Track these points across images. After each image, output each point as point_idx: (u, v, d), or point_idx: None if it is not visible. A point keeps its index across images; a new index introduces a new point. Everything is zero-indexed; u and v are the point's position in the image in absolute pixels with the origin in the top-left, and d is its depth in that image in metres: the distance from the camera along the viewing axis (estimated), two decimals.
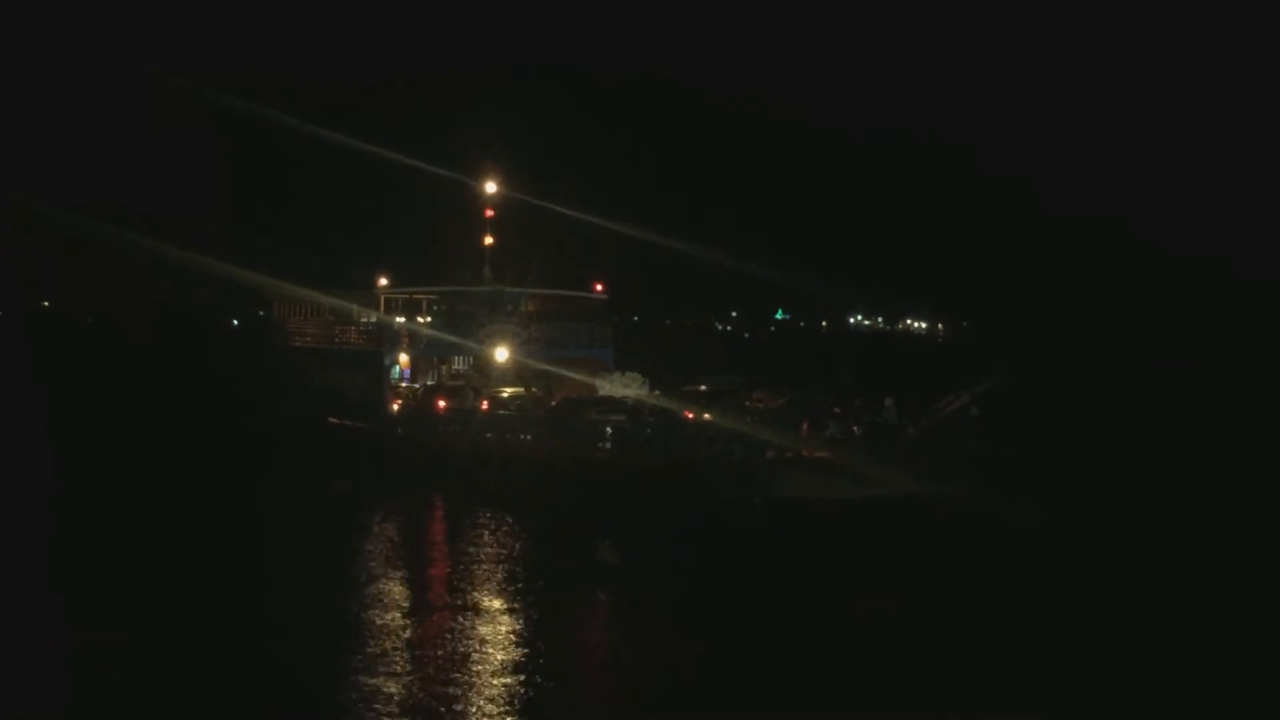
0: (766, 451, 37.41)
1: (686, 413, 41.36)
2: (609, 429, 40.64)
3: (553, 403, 49.27)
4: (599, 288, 59.29)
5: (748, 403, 43.18)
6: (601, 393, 48.78)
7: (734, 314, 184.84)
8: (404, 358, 56.56)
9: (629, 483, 37.91)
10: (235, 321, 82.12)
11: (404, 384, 55.71)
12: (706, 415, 41.45)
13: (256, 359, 69.49)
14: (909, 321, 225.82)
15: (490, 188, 56.32)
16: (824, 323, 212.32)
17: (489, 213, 56.67)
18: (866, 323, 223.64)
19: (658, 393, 47.93)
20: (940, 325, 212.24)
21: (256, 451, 55.08)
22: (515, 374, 53.53)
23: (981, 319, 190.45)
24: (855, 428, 38.71)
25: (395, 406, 53.48)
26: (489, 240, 56.84)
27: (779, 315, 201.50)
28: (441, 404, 50.98)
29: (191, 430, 61.91)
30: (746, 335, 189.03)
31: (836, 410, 40.19)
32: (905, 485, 36.29)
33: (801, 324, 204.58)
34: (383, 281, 56.78)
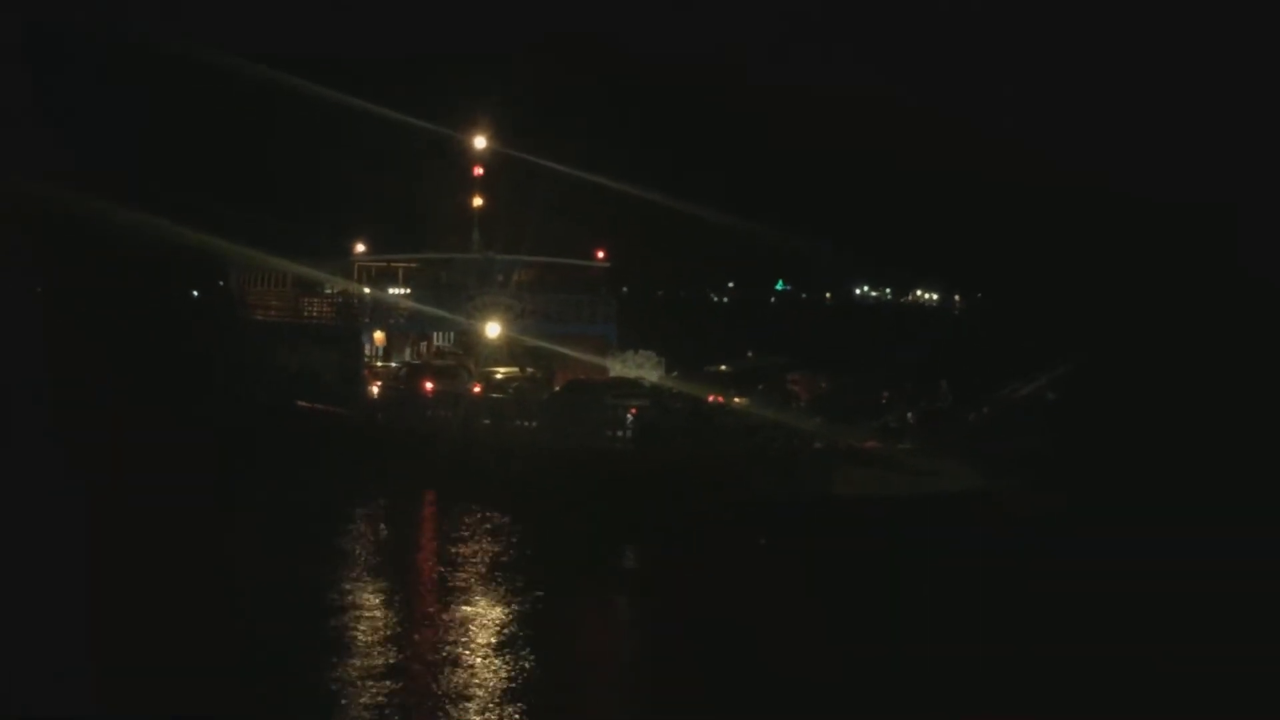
0: (814, 443, 35.56)
1: (713, 398, 39.42)
2: (629, 416, 38.58)
3: (554, 385, 47.45)
4: (601, 255, 57.11)
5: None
6: (613, 374, 46.86)
7: (730, 285, 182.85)
8: (379, 334, 54.64)
9: (656, 479, 35.89)
10: (195, 293, 79.54)
11: (379, 363, 53.75)
12: (737, 400, 39.63)
13: (215, 335, 67.18)
14: (919, 293, 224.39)
15: (480, 143, 54.04)
16: (827, 294, 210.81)
17: (478, 171, 54.43)
18: (874, 294, 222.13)
19: (675, 374, 46.02)
20: (957, 297, 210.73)
21: (217, 444, 52.48)
22: (508, 352, 51.45)
23: (999, 291, 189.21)
24: (909, 414, 36.87)
25: (375, 389, 51.51)
26: (478, 202, 54.58)
27: (779, 286, 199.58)
28: (429, 386, 48.85)
29: (138, 418, 58.83)
30: (765, 307, 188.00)
31: (885, 395, 38.34)
32: (968, 481, 34.60)
33: (803, 295, 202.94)
34: (359, 248, 54.70)
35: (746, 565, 31.84)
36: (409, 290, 54.76)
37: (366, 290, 53.93)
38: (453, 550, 34.69)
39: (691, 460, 35.84)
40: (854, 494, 34.32)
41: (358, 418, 50.09)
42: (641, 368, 46.47)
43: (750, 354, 49.23)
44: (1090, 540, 32.91)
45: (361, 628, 27.02)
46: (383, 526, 39.27)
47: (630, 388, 42.20)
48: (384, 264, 55.94)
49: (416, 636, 26.46)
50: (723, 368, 46.85)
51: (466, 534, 36.52)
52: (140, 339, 78.26)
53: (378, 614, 28.37)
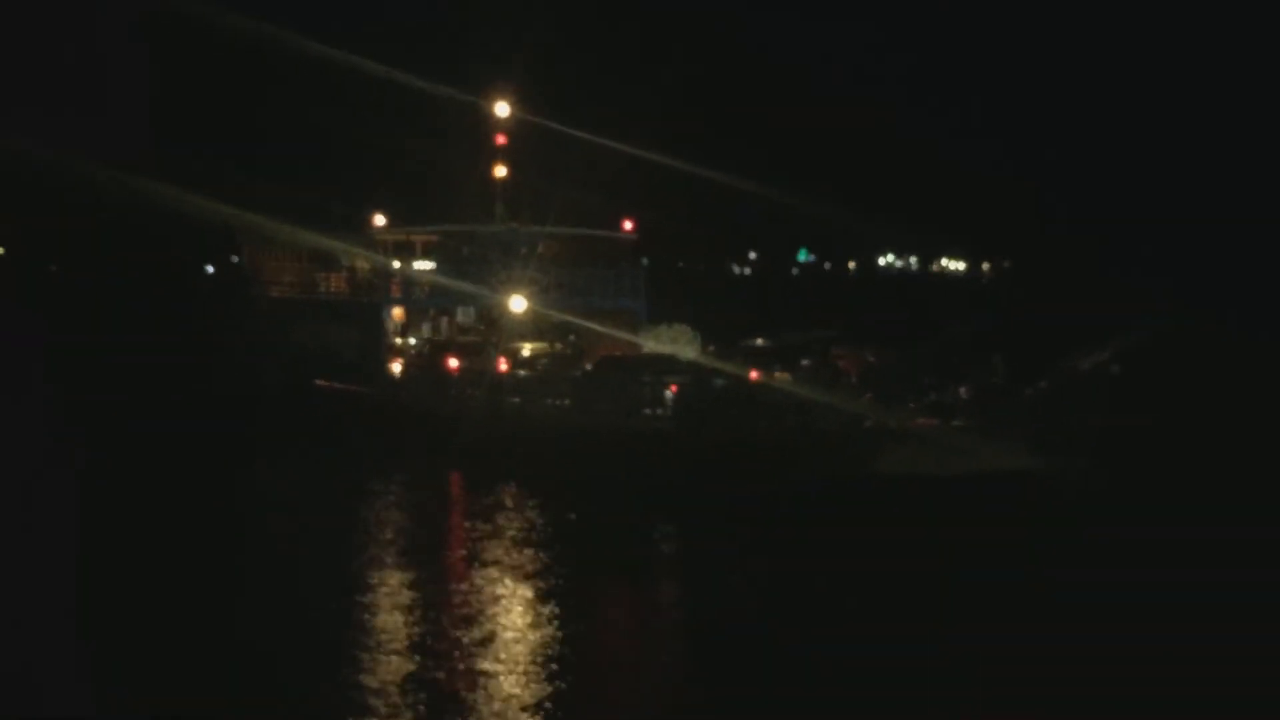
0: (864, 421, 35.05)
1: (756, 374, 38.85)
2: (668, 394, 38.07)
3: (583, 361, 46.97)
4: (628, 226, 56.37)
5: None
6: (646, 350, 46.32)
7: (752, 255, 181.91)
8: (398, 310, 54.10)
9: (698, 459, 35.41)
10: (210, 268, 78.98)
11: (398, 340, 53.29)
12: (778, 377, 39.08)
13: (228, 312, 66.64)
14: (944, 263, 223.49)
15: (503, 109, 53.37)
16: (851, 264, 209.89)
17: (501, 139, 53.79)
18: (899, 264, 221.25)
19: (711, 349, 45.43)
20: (985, 266, 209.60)
21: (235, 426, 52.11)
22: (534, 327, 50.93)
23: (1026, 258, 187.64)
24: (962, 390, 36.31)
25: (397, 367, 51.09)
26: (501, 172, 53.96)
27: (802, 256, 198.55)
28: (453, 364, 48.39)
29: (151, 400, 58.26)
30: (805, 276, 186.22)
31: (935, 371, 37.76)
32: (1023, 460, 34.00)
33: (827, 266, 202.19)
34: (378, 221, 54.16)
35: (792, 549, 31.13)
36: (431, 264, 53.98)
37: (395, 264, 53.25)
38: (485, 536, 34.21)
39: (737, 440, 35.32)
40: (904, 473, 33.71)
41: (380, 396, 49.67)
42: (676, 343, 45.75)
43: (781, 331, 48.34)
44: (1136, 528, 31.93)
45: (384, 613, 26.77)
46: (409, 509, 38.78)
47: (667, 364, 41.60)
48: (403, 236, 55.22)
49: (437, 628, 25.92)
50: (759, 341, 46.27)
51: (498, 518, 36.03)
52: (149, 316, 77.74)
53: (403, 597, 28.08)
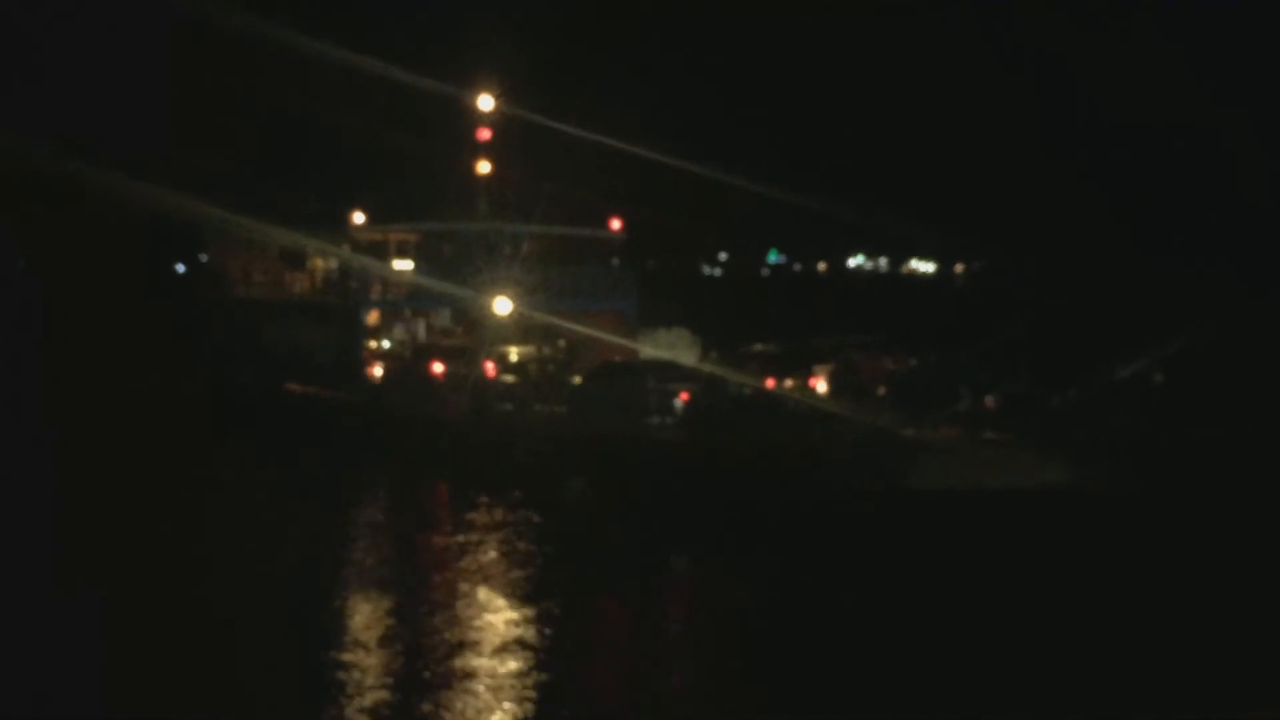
0: (889, 432, 33.91)
1: (771, 381, 37.72)
2: (678, 402, 36.80)
3: (574, 365, 45.87)
4: (616, 224, 55.14)
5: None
6: (644, 354, 45.15)
7: (723, 255, 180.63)
8: (373, 312, 52.90)
9: (714, 471, 34.17)
10: (180, 267, 77.18)
11: (372, 343, 52.01)
12: (790, 384, 38.00)
13: (194, 313, 64.85)
14: (914, 264, 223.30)
15: (486, 103, 52.06)
16: (821, 265, 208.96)
17: (485, 134, 52.47)
18: (869, 265, 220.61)
19: (714, 355, 44.25)
20: (959, 268, 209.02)
21: (203, 432, 50.47)
22: (519, 330, 49.68)
23: (999, 259, 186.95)
24: (989, 399, 35.23)
25: (377, 372, 49.82)
26: (485, 168, 52.71)
27: (772, 257, 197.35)
28: (438, 368, 47.10)
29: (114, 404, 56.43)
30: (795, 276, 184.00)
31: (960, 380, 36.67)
32: (1054, 473, 32.91)
33: (796, 267, 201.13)
34: (357, 219, 52.85)
35: (816, 566, 30.00)
36: (414, 264, 52.70)
37: (378, 263, 52.07)
38: (458, 564, 32.40)
39: (759, 451, 34.07)
40: (931, 487, 32.60)
41: (359, 402, 48.36)
42: (675, 347, 44.73)
43: (811, 337, 47.16)
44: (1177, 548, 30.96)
45: (363, 637, 25.65)
46: (393, 523, 37.77)
47: (672, 370, 40.40)
48: (381, 235, 53.95)
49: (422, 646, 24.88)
50: (758, 347, 45.25)
51: (495, 533, 34.66)
52: (111, 317, 76.11)
53: (388, 625, 26.74)
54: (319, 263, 55.58)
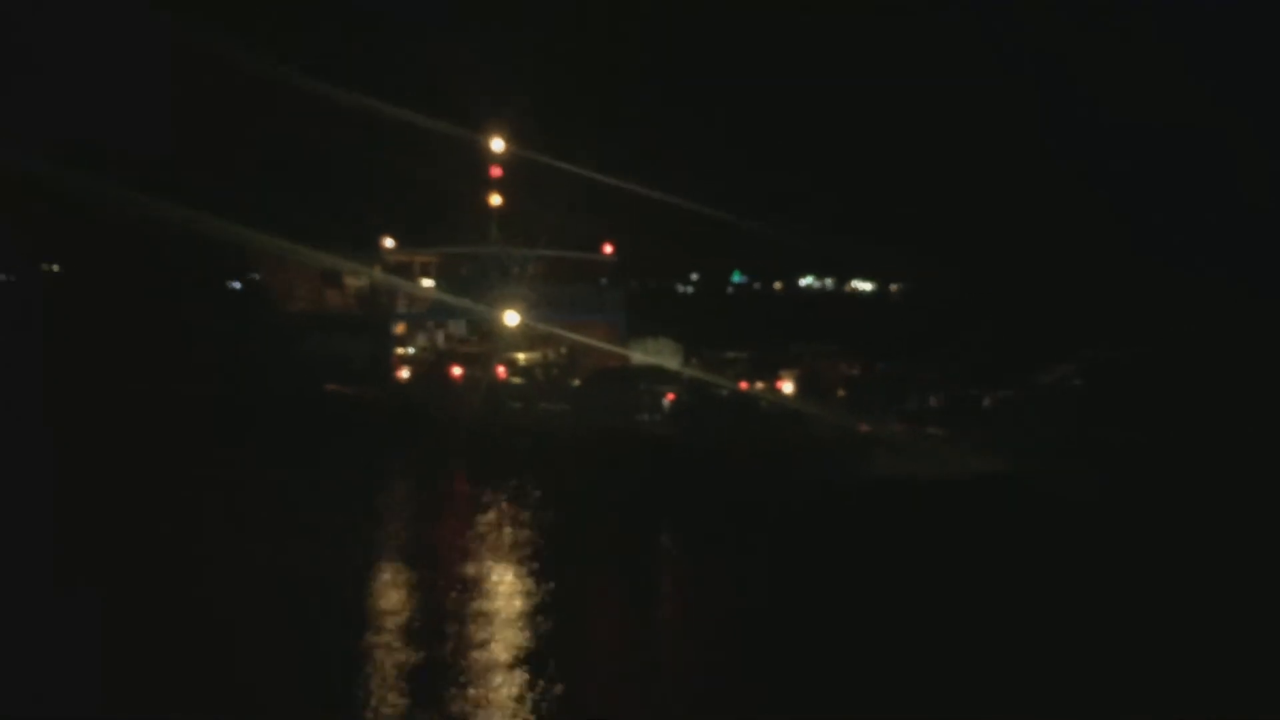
0: (852, 428, 34.43)
1: (744, 385, 38.16)
2: (665, 402, 37.27)
3: (575, 369, 46.22)
4: (608, 249, 55.81)
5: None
6: (635, 361, 45.55)
7: (694, 276, 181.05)
8: (400, 324, 53.35)
9: (695, 462, 34.65)
10: (236, 285, 77.30)
11: (399, 349, 52.39)
12: (760, 386, 38.43)
13: (247, 325, 65.13)
14: (855, 284, 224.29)
15: (498, 145, 52.62)
16: (777, 284, 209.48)
17: (497, 171, 53.03)
18: (817, 284, 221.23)
19: (694, 361, 44.70)
20: (894, 287, 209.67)
21: (266, 423, 50.67)
22: (525, 338, 50.26)
23: (921, 278, 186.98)
24: (933, 400, 35.80)
25: (404, 374, 50.23)
26: (496, 200, 53.24)
27: (736, 278, 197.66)
28: (457, 371, 47.54)
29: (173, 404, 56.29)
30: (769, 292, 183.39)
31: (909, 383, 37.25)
32: (991, 464, 33.52)
33: (756, 286, 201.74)
34: (387, 243, 53.50)
35: (781, 548, 30.41)
36: (436, 282, 53.32)
37: (405, 282, 52.65)
38: (483, 535, 32.96)
39: (735, 444, 34.58)
40: (884, 474, 33.16)
41: (389, 400, 48.76)
42: (661, 354, 45.19)
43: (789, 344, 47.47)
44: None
45: (386, 607, 25.85)
46: (419, 500, 38.08)
47: (660, 374, 40.96)
48: (406, 258, 54.55)
49: (437, 617, 25.05)
50: (730, 354, 45.61)
51: (497, 517, 34.86)
52: (174, 329, 76.22)
53: (404, 593, 27.20)
54: (353, 281, 55.92)
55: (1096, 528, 30.72)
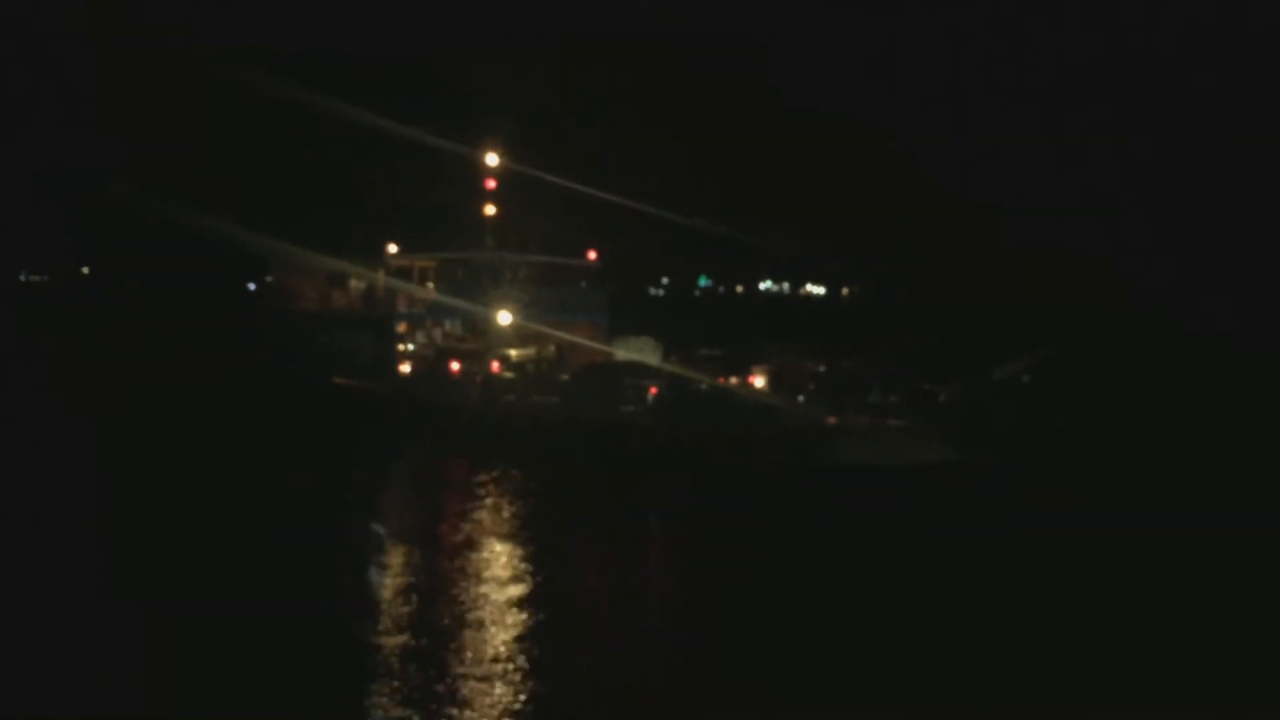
0: (820, 420, 32.60)
1: (721, 380, 36.30)
2: (647, 395, 35.37)
3: (564, 364, 44.41)
4: (592, 255, 54.18)
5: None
6: (619, 357, 43.74)
7: (665, 280, 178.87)
8: (402, 323, 51.58)
9: (675, 451, 32.80)
10: (252, 286, 75.03)
11: (400, 346, 50.56)
12: (734, 381, 36.56)
13: (263, 321, 63.00)
14: (809, 287, 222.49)
15: (492, 159, 50.87)
16: (739, 288, 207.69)
17: (491, 183, 51.28)
18: (775, 288, 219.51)
19: (672, 358, 42.89)
20: (845, 290, 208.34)
21: (280, 412, 48.68)
22: (517, 336, 48.56)
23: (870, 282, 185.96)
24: (893, 395, 34.00)
25: (406, 369, 48.45)
26: (490, 210, 51.50)
27: (702, 282, 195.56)
28: (454, 366, 45.73)
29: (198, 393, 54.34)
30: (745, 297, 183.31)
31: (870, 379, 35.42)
32: (945, 453, 31.80)
33: (720, 289, 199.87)
34: (392, 249, 51.83)
35: (757, 521, 28.80)
36: (435, 285, 51.68)
37: (406, 284, 50.92)
38: (485, 509, 31.76)
39: (712, 434, 32.72)
40: (849, 462, 31.45)
41: (392, 392, 46.96)
42: (643, 351, 43.25)
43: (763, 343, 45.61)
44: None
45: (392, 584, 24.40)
46: (421, 483, 36.59)
47: (642, 370, 39.08)
48: (408, 262, 52.84)
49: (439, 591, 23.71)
50: (703, 351, 43.85)
51: (497, 495, 33.30)
52: (199, 324, 74.61)
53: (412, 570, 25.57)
54: (359, 283, 54.21)
55: (1028, 509, 29.31)
